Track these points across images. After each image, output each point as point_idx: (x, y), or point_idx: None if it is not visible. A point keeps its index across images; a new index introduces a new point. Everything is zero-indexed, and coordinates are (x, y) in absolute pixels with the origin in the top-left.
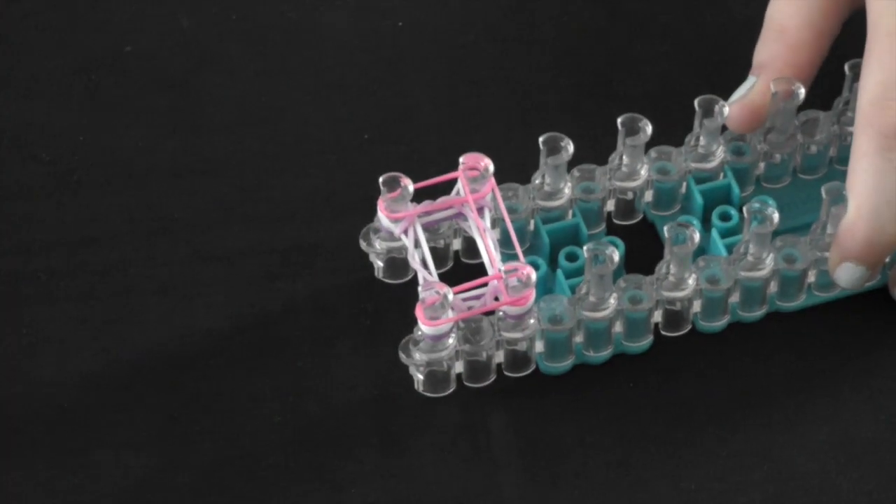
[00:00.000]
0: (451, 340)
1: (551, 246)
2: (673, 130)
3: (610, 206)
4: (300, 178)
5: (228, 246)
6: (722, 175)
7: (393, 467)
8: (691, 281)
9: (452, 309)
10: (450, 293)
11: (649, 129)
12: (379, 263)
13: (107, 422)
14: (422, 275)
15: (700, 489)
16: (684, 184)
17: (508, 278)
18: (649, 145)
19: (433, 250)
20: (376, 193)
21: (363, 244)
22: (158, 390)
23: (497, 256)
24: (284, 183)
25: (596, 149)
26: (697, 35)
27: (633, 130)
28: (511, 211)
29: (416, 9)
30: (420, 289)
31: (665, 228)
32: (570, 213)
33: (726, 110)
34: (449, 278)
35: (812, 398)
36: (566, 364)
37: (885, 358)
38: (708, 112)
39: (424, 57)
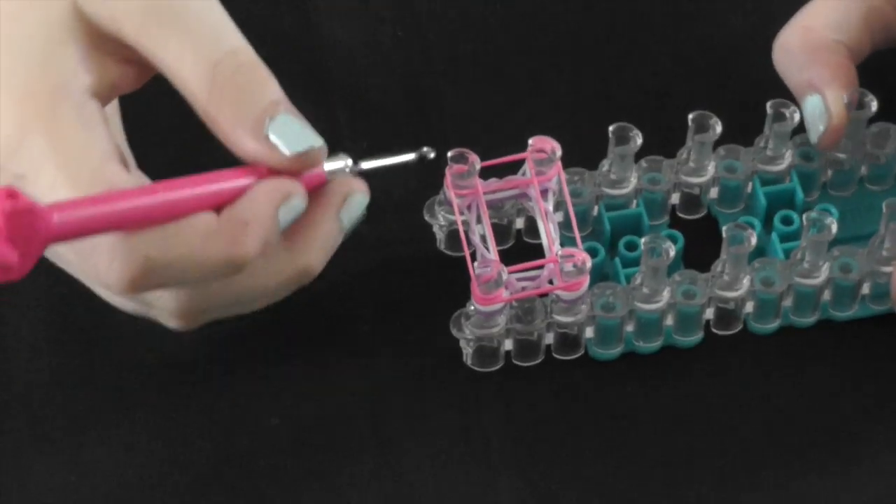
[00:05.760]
0: (502, 318)
1: (613, 233)
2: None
3: (675, 199)
4: None
5: None
6: (788, 179)
7: (390, 470)
8: (745, 281)
9: (506, 287)
10: (504, 272)
11: (719, 127)
12: (441, 235)
13: (105, 422)
14: (480, 251)
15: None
16: (750, 183)
17: (564, 263)
18: (718, 143)
19: (495, 227)
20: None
21: (427, 216)
22: (157, 391)
23: (556, 239)
24: None
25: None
26: (698, 44)
27: (703, 127)
28: (575, 195)
29: (414, 17)
30: (476, 265)
31: (724, 229)
32: (635, 202)
33: (797, 116)
34: (509, 255)
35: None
36: (615, 351)
37: None
38: (779, 116)
39: (424, 63)
